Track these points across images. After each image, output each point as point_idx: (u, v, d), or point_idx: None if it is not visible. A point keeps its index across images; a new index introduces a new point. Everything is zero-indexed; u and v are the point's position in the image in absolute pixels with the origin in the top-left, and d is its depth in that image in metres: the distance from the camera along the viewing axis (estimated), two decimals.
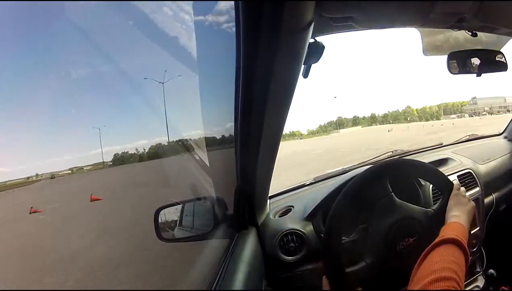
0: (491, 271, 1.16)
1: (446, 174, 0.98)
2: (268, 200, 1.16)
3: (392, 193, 0.87)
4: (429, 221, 0.85)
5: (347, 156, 10.13)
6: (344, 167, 1.34)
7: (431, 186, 1.07)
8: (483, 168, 1.29)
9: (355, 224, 0.91)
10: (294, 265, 0.99)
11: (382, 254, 0.83)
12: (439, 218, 0.84)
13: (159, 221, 0.93)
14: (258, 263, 0.89)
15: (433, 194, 1.07)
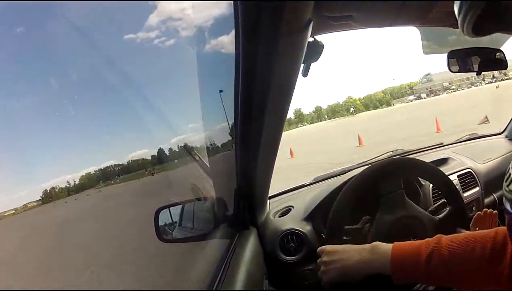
0: None
1: (446, 174, 0.98)
2: (268, 200, 1.16)
3: (403, 190, 0.89)
4: (432, 228, 0.86)
5: None
6: (344, 167, 1.35)
7: (431, 185, 1.07)
8: (483, 167, 1.28)
9: (360, 214, 0.92)
10: (294, 265, 0.99)
11: None
12: (443, 227, 0.85)
13: (159, 221, 0.93)
14: (259, 263, 0.88)
15: (432, 193, 1.07)
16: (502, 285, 0.55)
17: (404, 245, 0.66)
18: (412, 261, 0.62)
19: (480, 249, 0.57)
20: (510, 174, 0.48)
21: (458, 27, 0.80)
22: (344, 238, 0.88)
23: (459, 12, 0.35)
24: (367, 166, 0.98)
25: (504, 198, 0.50)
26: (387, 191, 0.88)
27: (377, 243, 0.69)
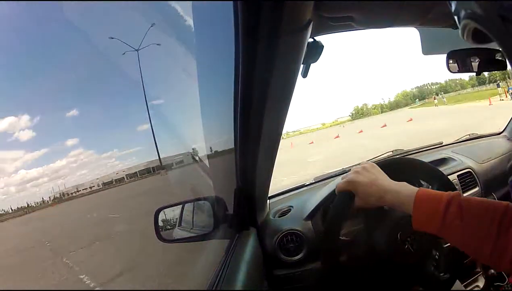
0: (492, 271, 1.16)
1: (446, 174, 0.98)
2: (268, 200, 1.16)
3: None
4: None
5: None
6: (344, 167, 1.35)
7: (430, 186, 1.07)
8: (483, 167, 1.28)
9: (358, 224, 0.91)
10: (294, 265, 0.99)
11: (385, 254, 0.83)
12: None
13: (159, 221, 0.93)
14: (258, 264, 0.89)
15: None
16: (503, 264, 0.56)
17: (428, 190, 0.69)
18: (433, 202, 0.64)
19: (489, 219, 0.58)
20: None
21: (457, 28, 0.80)
22: (342, 237, 0.87)
23: (459, 23, 0.36)
24: None
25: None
26: None
27: (405, 183, 0.73)
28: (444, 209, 0.62)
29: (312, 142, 17.14)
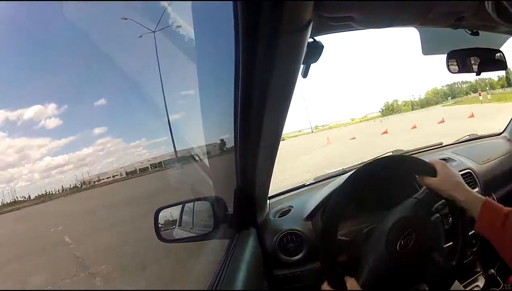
0: (491, 271, 1.16)
1: None
2: (268, 200, 1.16)
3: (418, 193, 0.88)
4: (417, 209, 0.84)
5: None
6: (344, 167, 1.35)
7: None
8: (483, 168, 1.28)
9: (357, 212, 0.91)
10: (294, 265, 0.99)
11: (385, 254, 0.83)
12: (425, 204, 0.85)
13: (159, 221, 0.93)
14: (258, 264, 0.89)
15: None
16: None
17: (493, 201, 0.78)
18: (496, 212, 0.74)
19: None
20: None
21: (457, 27, 0.80)
22: (341, 238, 0.87)
23: None
24: None
25: None
26: (405, 193, 0.87)
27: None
28: (503, 219, 0.71)
29: (355, 138, 14.34)
